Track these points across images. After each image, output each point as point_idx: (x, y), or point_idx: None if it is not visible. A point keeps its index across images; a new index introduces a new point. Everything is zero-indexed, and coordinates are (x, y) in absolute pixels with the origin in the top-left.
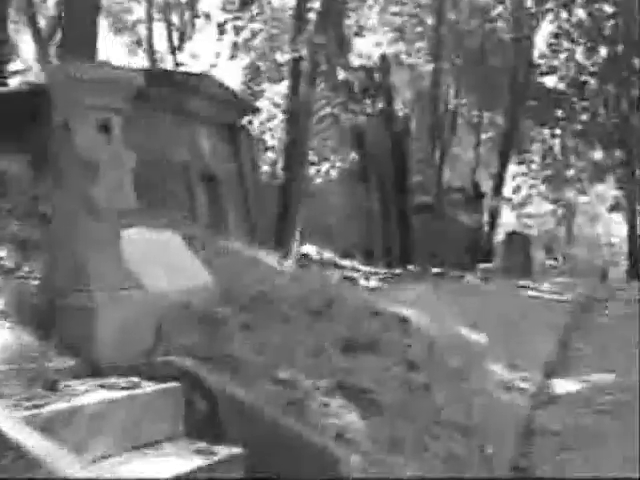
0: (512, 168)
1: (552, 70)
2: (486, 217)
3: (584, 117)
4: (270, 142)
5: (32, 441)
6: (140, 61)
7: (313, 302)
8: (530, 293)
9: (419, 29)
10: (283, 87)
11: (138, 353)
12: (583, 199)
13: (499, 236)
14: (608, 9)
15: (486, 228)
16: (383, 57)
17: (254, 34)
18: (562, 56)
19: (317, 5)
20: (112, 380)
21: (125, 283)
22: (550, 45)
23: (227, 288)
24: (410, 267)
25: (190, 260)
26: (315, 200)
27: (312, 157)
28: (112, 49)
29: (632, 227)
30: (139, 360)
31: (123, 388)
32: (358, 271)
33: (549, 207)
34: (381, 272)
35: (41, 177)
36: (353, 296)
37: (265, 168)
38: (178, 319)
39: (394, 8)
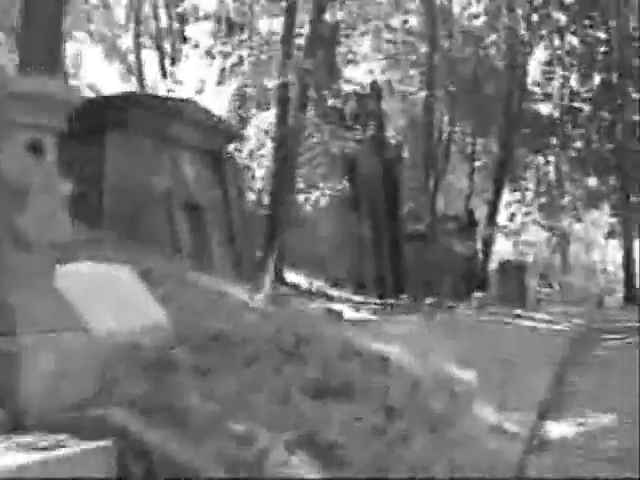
0: (506, 196)
1: (546, 97)
2: (480, 245)
3: (578, 144)
4: (258, 170)
5: None
6: (132, 88)
7: (283, 341)
8: (525, 323)
9: (412, 57)
10: (272, 114)
11: (73, 405)
12: (578, 226)
13: (494, 264)
14: (601, 35)
15: (480, 256)
16: (375, 84)
17: (241, 60)
18: (556, 83)
19: (306, 30)
20: (29, 439)
21: (61, 323)
22: (544, 72)
23: (185, 327)
24: (403, 297)
25: (144, 296)
26: (305, 228)
27: (301, 185)
28: (106, 76)
29: (628, 253)
30: (72, 413)
31: (43, 448)
32: (349, 301)
33: (544, 234)
34: (373, 302)
35: None
36: (332, 333)
37: (252, 197)
38: (125, 364)
39: (387, 35)
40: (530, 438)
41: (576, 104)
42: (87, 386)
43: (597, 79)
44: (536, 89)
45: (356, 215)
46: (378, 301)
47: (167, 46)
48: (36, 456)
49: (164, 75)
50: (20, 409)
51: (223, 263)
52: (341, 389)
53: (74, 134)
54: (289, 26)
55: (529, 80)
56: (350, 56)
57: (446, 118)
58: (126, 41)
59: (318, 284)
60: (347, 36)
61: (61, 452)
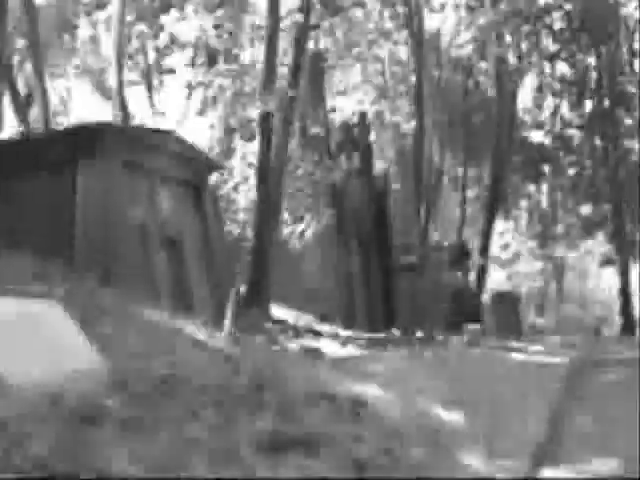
0: (499, 225)
1: (537, 125)
2: (473, 276)
3: (571, 171)
4: (243, 202)
5: None
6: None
7: (239, 386)
8: (520, 357)
9: (401, 87)
10: (256, 145)
11: None
12: (572, 255)
13: (487, 295)
14: (591, 62)
15: (473, 287)
16: (362, 114)
17: (222, 90)
18: (547, 110)
19: (288, 60)
20: None
21: None
22: (534, 99)
23: (124, 372)
24: (394, 330)
25: (74, 337)
26: (293, 262)
27: (286, 217)
28: (96, 110)
29: (624, 282)
30: None
31: None
32: (337, 336)
33: (538, 264)
34: (362, 337)
35: None
36: (300, 375)
37: (236, 230)
38: (40, 419)
39: (376, 66)
40: None
41: (568, 131)
42: None
43: (589, 105)
44: (527, 117)
45: (344, 248)
46: (368, 335)
47: (151, 77)
48: None
49: (150, 106)
50: None
51: (203, 301)
52: (302, 440)
53: (44, 165)
54: (271, 55)
55: (520, 108)
56: (339, 86)
57: (436, 147)
58: (111, 73)
59: (306, 319)
60: (334, 67)
61: None
